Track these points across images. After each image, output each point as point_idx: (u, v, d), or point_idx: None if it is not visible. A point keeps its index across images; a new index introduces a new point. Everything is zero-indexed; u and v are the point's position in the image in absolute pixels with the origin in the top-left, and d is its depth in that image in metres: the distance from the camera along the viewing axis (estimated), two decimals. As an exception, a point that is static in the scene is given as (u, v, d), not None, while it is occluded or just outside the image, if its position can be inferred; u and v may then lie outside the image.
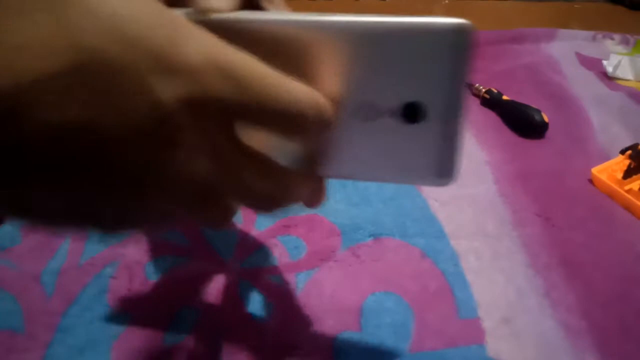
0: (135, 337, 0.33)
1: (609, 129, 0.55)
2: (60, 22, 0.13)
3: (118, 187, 0.16)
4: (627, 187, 0.45)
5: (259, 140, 0.18)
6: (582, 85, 0.64)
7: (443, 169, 0.16)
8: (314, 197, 0.22)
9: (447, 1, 0.97)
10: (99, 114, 0.14)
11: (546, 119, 0.54)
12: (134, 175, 0.15)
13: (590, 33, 0.79)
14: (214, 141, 0.16)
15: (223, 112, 0.16)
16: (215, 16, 0.17)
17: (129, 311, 0.34)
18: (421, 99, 0.16)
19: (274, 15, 0.17)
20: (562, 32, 0.79)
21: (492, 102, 0.59)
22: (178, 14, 0.16)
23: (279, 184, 0.18)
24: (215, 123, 0.16)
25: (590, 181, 0.47)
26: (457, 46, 0.15)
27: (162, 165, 0.15)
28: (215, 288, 0.36)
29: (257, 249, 0.39)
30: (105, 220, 0.17)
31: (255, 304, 0.35)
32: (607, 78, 0.67)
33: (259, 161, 0.18)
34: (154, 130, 0.15)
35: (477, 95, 0.61)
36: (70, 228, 0.20)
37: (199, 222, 0.20)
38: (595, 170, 0.47)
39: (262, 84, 0.16)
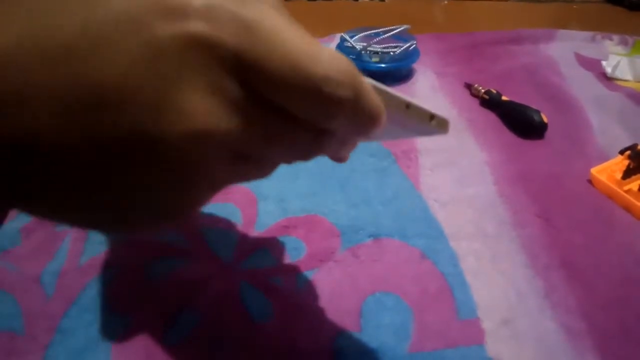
0: (135, 339, 0.33)
1: (608, 129, 0.55)
2: None
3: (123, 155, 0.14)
4: (626, 188, 0.45)
5: None
6: (581, 86, 0.64)
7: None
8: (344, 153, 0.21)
9: (446, 2, 0.97)
10: (96, 64, 0.13)
11: (545, 119, 0.54)
12: (141, 130, 0.14)
13: (589, 34, 0.79)
14: (232, 94, 0.15)
15: (237, 64, 0.14)
16: None
17: (129, 313, 0.34)
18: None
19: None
20: (561, 32, 0.79)
21: (491, 102, 0.59)
22: None
23: (311, 141, 0.17)
24: (230, 74, 0.14)
25: (590, 182, 0.47)
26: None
27: (174, 111, 0.14)
28: (215, 289, 0.36)
29: (256, 250, 0.39)
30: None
31: (255, 304, 0.35)
32: (606, 79, 0.67)
33: (286, 118, 0.16)
34: (152, 69, 0.14)
35: (476, 96, 0.61)
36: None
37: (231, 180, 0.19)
38: (594, 170, 0.47)
39: (281, 42, 0.14)
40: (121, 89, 0.13)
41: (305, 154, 0.18)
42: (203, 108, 0.14)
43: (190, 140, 0.14)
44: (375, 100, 0.17)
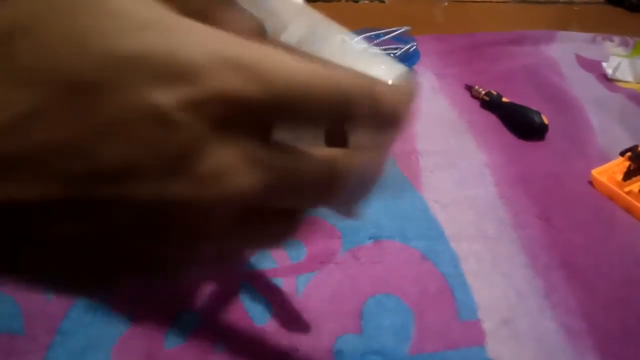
0: (135, 340, 0.33)
1: (608, 130, 0.55)
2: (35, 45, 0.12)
3: (142, 230, 0.14)
4: (627, 189, 0.45)
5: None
6: (581, 87, 0.64)
7: None
8: None
9: (446, 3, 0.97)
10: (93, 142, 0.12)
11: (546, 121, 0.54)
12: (158, 208, 0.13)
13: (590, 35, 0.79)
14: (250, 148, 0.14)
15: (252, 113, 0.14)
16: None
17: (130, 313, 0.34)
18: None
19: None
20: (562, 34, 0.79)
21: (491, 104, 0.59)
22: None
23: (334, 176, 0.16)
24: (247, 127, 0.14)
25: (590, 183, 0.47)
26: None
27: (193, 185, 0.13)
28: (215, 290, 0.36)
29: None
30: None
31: (256, 306, 0.35)
32: (607, 80, 0.67)
33: (309, 159, 0.16)
34: (162, 143, 0.13)
35: (476, 97, 0.61)
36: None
37: (261, 245, 0.18)
38: (595, 172, 0.47)
39: (290, 75, 0.14)
40: (132, 170, 0.13)
41: (324, 193, 0.17)
42: (223, 170, 0.14)
43: (211, 204, 0.14)
44: (392, 98, 0.16)
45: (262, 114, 0.14)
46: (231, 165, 0.14)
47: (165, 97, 0.12)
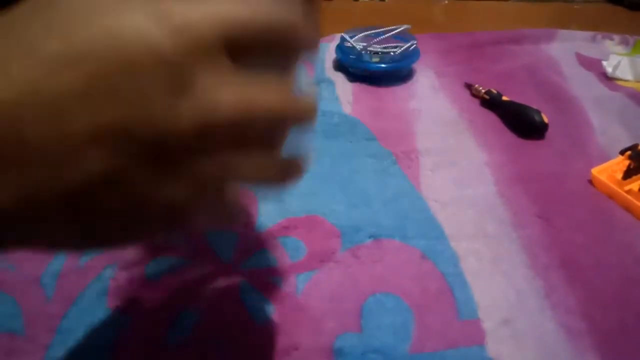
0: (135, 339, 0.33)
1: (608, 129, 0.55)
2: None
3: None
4: (626, 188, 0.45)
5: None
6: (581, 86, 0.64)
7: None
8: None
9: (446, 2, 0.97)
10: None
11: (546, 119, 0.54)
12: None
13: (590, 33, 0.79)
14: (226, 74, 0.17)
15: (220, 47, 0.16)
16: None
17: (130, 313, 0.34)
18: None
19: None
20: (562, 32, 0.79)
21: (491, 103, 0.59)
22: None
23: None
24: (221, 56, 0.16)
25: (590, 182, 0.47)
26: None
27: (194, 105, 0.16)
28: (215, 289, 0.36)
29: (257, 250, 0.39)
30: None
31: (255, 305, 0.35)
32: (607, 79, 0.67)
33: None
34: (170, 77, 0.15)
35: (476, 96, 0.61)
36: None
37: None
38: (595, 170, 0.47)
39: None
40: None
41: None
42: (212, 89, 0.16)
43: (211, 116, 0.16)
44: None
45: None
46: (215, 86, 0.16)
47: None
